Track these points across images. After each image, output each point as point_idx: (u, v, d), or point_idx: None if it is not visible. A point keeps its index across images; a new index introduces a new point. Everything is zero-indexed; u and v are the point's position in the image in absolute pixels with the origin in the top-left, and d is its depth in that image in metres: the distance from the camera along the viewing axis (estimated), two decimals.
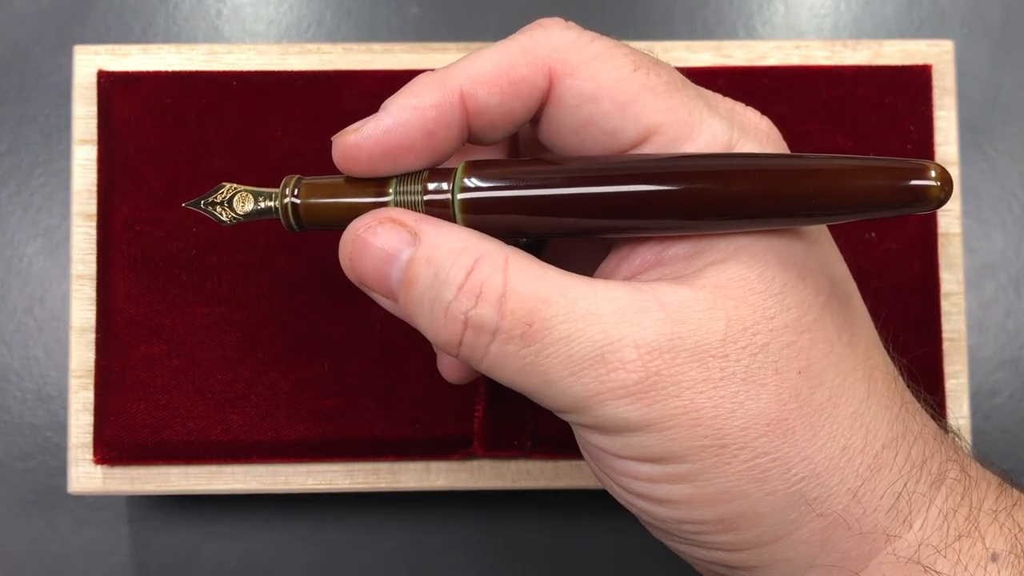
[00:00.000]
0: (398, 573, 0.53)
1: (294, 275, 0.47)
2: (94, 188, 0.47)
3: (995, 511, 0.33)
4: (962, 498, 0.33)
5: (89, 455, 0.46)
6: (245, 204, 0.35)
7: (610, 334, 0.30)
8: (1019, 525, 0.33)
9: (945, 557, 0.32)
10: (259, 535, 0.53)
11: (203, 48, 0.48)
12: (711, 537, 0.33)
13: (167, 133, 0.47)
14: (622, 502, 0.34)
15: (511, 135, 0.36)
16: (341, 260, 0.33)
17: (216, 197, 0.36)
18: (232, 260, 0.46)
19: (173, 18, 0.56)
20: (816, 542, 0.32)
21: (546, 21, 0.34)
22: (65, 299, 0.54)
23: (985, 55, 0.57)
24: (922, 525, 0.33)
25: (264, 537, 0.53)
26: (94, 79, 0.47)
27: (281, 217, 0.34)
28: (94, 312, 0.46)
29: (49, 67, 0.55)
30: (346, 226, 0.33)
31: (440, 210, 0.33)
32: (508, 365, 0.31)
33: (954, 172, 0.48)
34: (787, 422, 0.31)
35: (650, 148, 0.33)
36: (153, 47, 0.48)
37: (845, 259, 0.36)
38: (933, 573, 0.32)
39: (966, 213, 0.54)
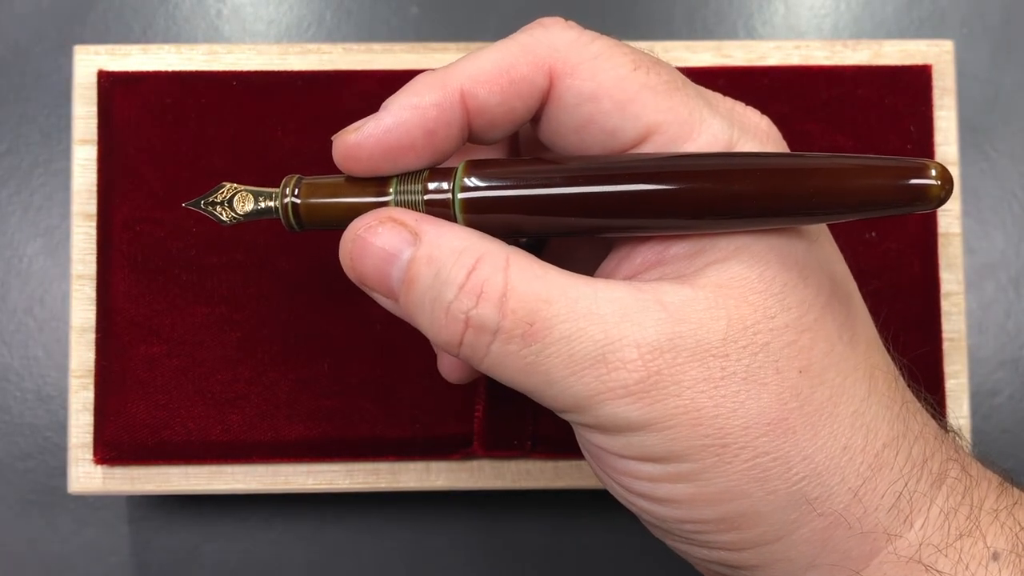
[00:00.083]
0: (398, 573, 0.53)
1: (294, 275, 0.47)
2: (94, 188, 0.47)
3: (996, 510, 0.33)
4: (963, 497, 0.33)
5: (89, 455, 0.46)
6: (245, 204, 0.35)
7: (611, 334, 0.30)
8: (1020, 524, 0.33)
9: (946, 556, 0.32)
10: (259, 535, 0.53)
11: (203, 48, 0.48)
12: (712, 536, 0.33)
13: (167, 133, 0.47)
14: (623, 502, 0.34)
15: (511, 134, 0.36)
16: (342, 260, 0.33)
17: (216, 197, 0.36)
18: (232, 260, 0.46)
19: (173, 18, 0.56)
20: (817, 541, 0.32)
21: (546, 20, 0.34)
22: (65, 299, 0.54)
23: (985, 55, 0.57)
24: (923, 524, 0.33)
25: (264, 537, 0.53)
26: (94, 79, 0.47)
27: (281, 217, 0.34)
28: (94, 312, 0.46)
29: (49, 67, 0.55)
30: (346, 226, 0.33)
31: (440, 210, 0.33)
32: (509, 365, 0.31)
33: (954, 172, 0.48)
34: (788, 421, 0.31)
35: (650, 147, 0.33)
36: (153, 47, 0.48)
37: (845, 259, 0.36)
38: (934, 572, 0.32)
39: (966, 213, 0.54)
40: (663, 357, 0.30)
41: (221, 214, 0.36)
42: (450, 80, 0.33)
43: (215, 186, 0.36)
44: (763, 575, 0.33)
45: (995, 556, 0.32)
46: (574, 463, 0.47)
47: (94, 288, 0.46)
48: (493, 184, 0.32)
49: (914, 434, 0.33)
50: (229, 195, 0.36)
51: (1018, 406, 0.54)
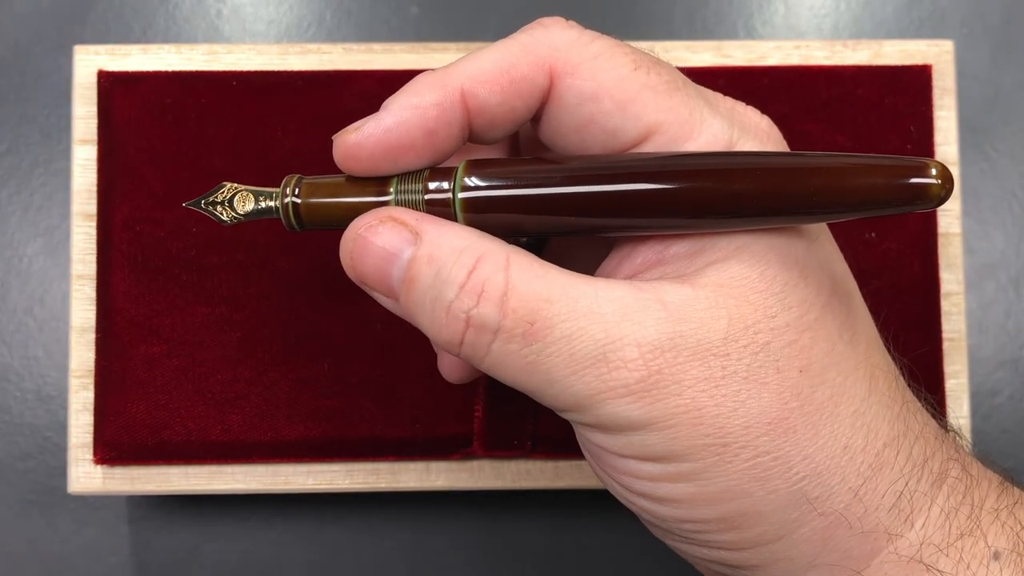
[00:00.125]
0: (398, 573, 0.53)
1: (294, 275, 0.47)
2: (94, 188, 0.47)
3: (996, 510, 0.33)
4: (963, 497, 0.33)
5: (89, 455, 0.46)
6: (246, 204, 0.35)
7: (612, 333, 0.30)
8: (1021, 523, 0.33)
9: (947, 556, 0.32)
10: (259, 535, 0.53)
11: (203, 48, 0.48)
12: (712, 536, 0.33)
13: (167, 133, 0.47)
14: (623, 501, 0.34)
15: (512, 134, 0.36)
16: (342, 259, 0.33)
17: (217, 197, 0.36)
18: (232, 260, 0.46)
19: (173, 18, 0.56)
20: (817, 541, 0.32)
21: (547, 20, 0.34)
22: (65, 299, 0.54)
23: (985, 55, 0.57)
24: (924, 524, 0.33)
25: (264, 537, 0.53)
26: (94, 79, 0.47)
27: (282, 217, 0.34)
28: (94, 312, 0.46)
29: (49, 67, 0.55)
30: (347, 226, 0.33)
31: (441, 209, 0.33)
32: (510, 364, 0.31)
33: (954, 172, 0.48)
34: (788, 421, 0.31)
35: (651, 147, 0.33)
36: (153, 47, 0.48)
37: (845, 259, 0.36)
38: (935, 572, 0.32)
39: (966, 213, 0.54)
40: (664, 356, 0.30)
41: (222, 214, 0.36)
42: (450, 80, 0.33)
43: (215, 186, 0.36)
44: (763, 575, 0.33)
45: (996, 555, 0.32)
46: (574, 463, 0.47)
47: (94, 288, 0.46)
48: (493, 184, 0.32)
49: (914, 434, 0.33)
50: (229, 195, 0.36)
51: (1018, 406, 0.54)
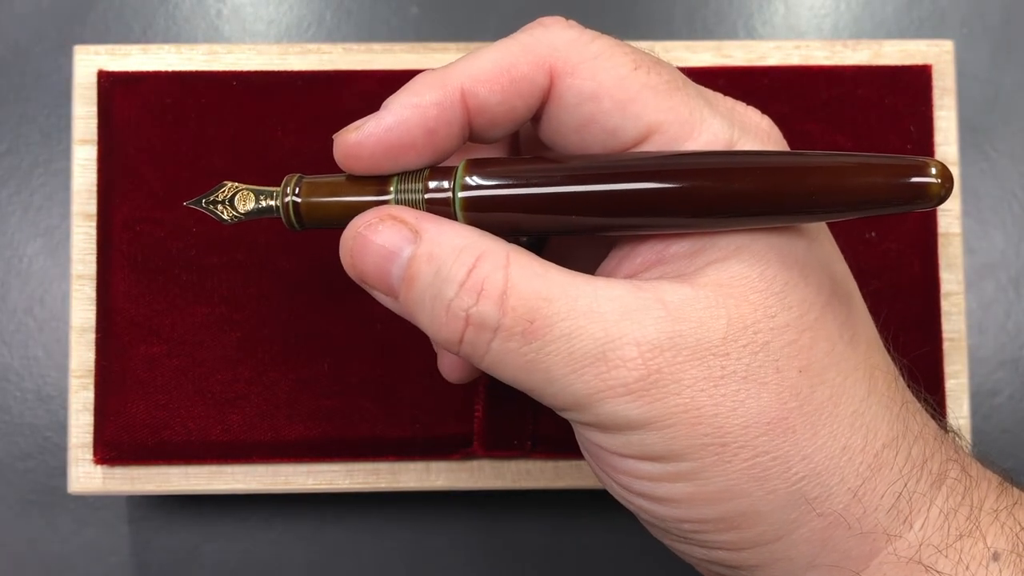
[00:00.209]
0: (398, 573, 0.53)
1: (294, 275, 0.47)
2: (94, 188, 0.47)
3: (996, 510, 0.33)
4: (963, 498, 0.33)
5: (89, 455, 0.46)
6: (246, 203, 0.35)
7: (611, 332, 0.30)
8: (1020, 524, 0.33)
9: (946, 557, 0.32)
10: (259, 535, 0.53)
11: (203, 48, 0.48)
12: (711, 536, 0.33)
13: (167, 133, 0.47)
14: (622, 501, 0.34)
15: (512, 133, 0.36)
16: (342, 257, 0.33)
17: (217, 196, 0.36)
18: (232, 260, 0.46)
19: (173, 18, 0.56)
20: (816, 541, 0.32)
21: (547, 20, 0.34)
22: (65, 299, 0.54)
23: (985, 55, 0.57)
24: (923, 525, 0.33)
25: (264, 537, 0.53)
26: (94, 79, 0.47)
27: (282, 216, 0.34)
28: (94, 312, 0.46)
29: (49, 67, 0.55)
30: (347, 224, 0.33)
31: (441, 208, 0.33)
32: (509, 362, 0.31)
33: (954, 172, 0.48)
34: (788, 421, 0.31)
35: (651, 146, 0.33)
36: (153, 47, 0.48)
37: (845, 259, 0.36)
38: (934, 573, 0.32)
39: (966, 213, 0.54)
40: (663, 356, 0.30)
41: (222, 213, 0.36)
42: (450, 79, 0.33)
43: (216, 185, 0.36)
44: (762, 575, 0.33)
45: (995, 556, 0.32)
46: (574, 463, 0.47)
47: (94, 288, 0.46)
48: (493, 183, 0.32)
49: (914, 434, 0.33)
50: (230, 194, 0.36)
51: (1018, 406, 0.54)
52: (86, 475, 0.46)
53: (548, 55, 0.33)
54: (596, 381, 0.30)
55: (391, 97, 0.33)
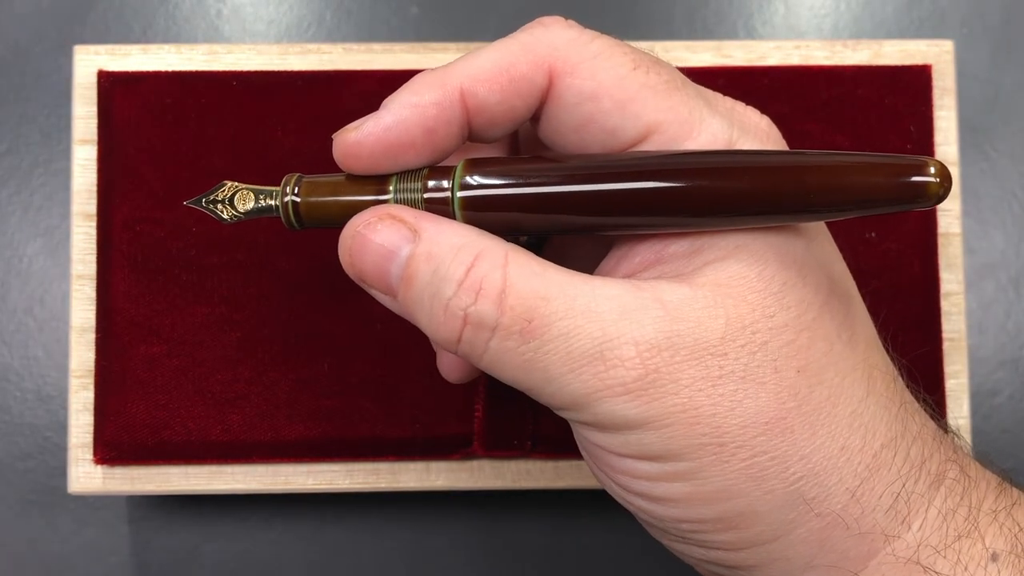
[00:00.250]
0: (398, 573, 0.53)
1: (294, 275, 0.47)
2: (94, 188, 0.47)
3: (995, 511, 0.33)
4: (961, 498, 0.33)
5: (89, 455, 0.46)
6: (246, 202, 0.35)
7: (609, 331, 0.30)
8: (1019, 525, 0.33)
9: (945, 557, 0.32)
10: (259, 535, 0.53)
11: (203, 48, 0.48)
12: (709, 536, 0.33)
13: (167, 133, 0.47)
14: (620, 501, 0.34)
15: (511, 133, 0.36)
16: (341, 257, 0.33)
17: (217, 195, 0.36)
18: (232, 260, 0.46)
19: (173, 18, 0.56)
20: (814, 542, 0.32)
21: (546, 20, 0.34)
22: (65, 299, 0.54)
23: (985, 55, 0.57)
24: (921, 525, 0.33)
25: (264, 537, 0.53)
26: (94, 79, 0.47)
27: (281, 215, 0.34)
28: (94, 312, 0.46)
29: (49, 67, 0.55)
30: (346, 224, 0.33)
31: (440, 208, 0.33)
32: (507, 362, 0.31)
33: (954, 172, 0.48)
34: (785, 421, 0.31)
35: (650, 146, 0.33)
36: (153, 47, 0.48)
37: (845, 259, 0.36)
38: (933, 573, 0.32)
39: (966, 213, 0.54)
40: (661, 355, 0.30)
41: (222, 212, 0.36)
42: (450, 79, 0.33)
43: (216, 184, 0.36)
44: (760, 575, 0.33)
45: (994, 557, 0.32)
46: (574, 463, 0.47)
47: (94, 288, 0.46)
48: (492, 182, 0.32)
49: (912, 435, 0.33)
50: (230, 193, 0.36)
51: (1018, 406, 0.54)
52: (86, 475, 0.46)
53: (547, 55, 0.33)
54: (594, 380, 0.30)
55: (390, 97, 0.33)
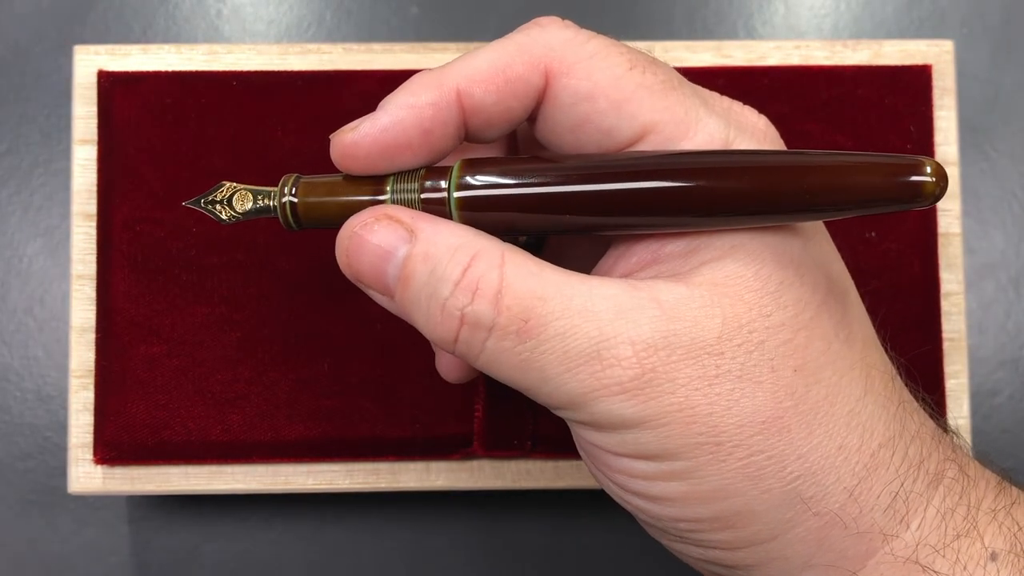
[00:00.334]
0: (398, 573, 0.53)
1: (294, 275, 0.47)
2: (94, 188, 0.47)
3: (994, 510, 0.33)
4: (960, 497, 0.33)
5: (89, 455, 0.46)
6: (244, 203, 0.35)
7: (605, 331, 0.30)
8: (1018, 524, 0.33)
9: (944, 557, 0.32)
10: (259, 535, 0.53)
11: (203, 48, 0.48)
12: (706, 535, 0.33)
13: (167, 133, 0.47)
14: (618, 500, 0.34)
15: (509, 133, 0.36)
16: (338, 257, 0.33)
17: (216, 196, 0.36)
18: (232, 260, 0.46)
19: (173, 18, 0.56)
20: (812, 541, 0.32)
21: (543, 20, 0.34)
22: (65, 299, 0.54)
23: (985, 55, 0.56)
24: (920, 525, 0.33)
25: (264, 537, 0.53)
26: (94, 79, 0.47)
27: (279, 216, 0.35)
28: (94, 312, 0.46)
29: (49, 67, 0.55)
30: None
31: (437, 208, 0.33)
32: (504, 361, 0.31)
33: (954, 172, 0.48)
34: (783, 420, 0.31)
35: (646, 146, 0.33)
36: (153, 47, 0.48)
37: (844, 259, 0.36)
38: (931, 573, 0.32)
39: (966, 213, 0.54)
40: (657, 355, 0.30)
41: (220, 213, 0.36)
42: (446, 79, 0.33)
43: (215, 185, 0.36)
44: (759, 574, 0.33)
45: (993, 556, 0.32)
46: (574, 463, 0.47)
47: (94, 288, 0.46)
48: (489, 183, 0.32)
49: (911, 434, 0.33)
50: (228, 194, 0.36)
51: (1018, 406, 0.54)
52: (86, 475, 0.46)
53: (544, 55, 0.33)
54: (591, 380, 0.30)
55: (387, 97, 0.33)
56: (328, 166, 0.34)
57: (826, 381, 0.32)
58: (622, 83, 0.32)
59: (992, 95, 0.56)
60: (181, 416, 0.46)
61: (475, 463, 0.47)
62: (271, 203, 0.35)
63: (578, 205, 0.32)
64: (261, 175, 0.46)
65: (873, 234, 0.47)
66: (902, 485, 0.32)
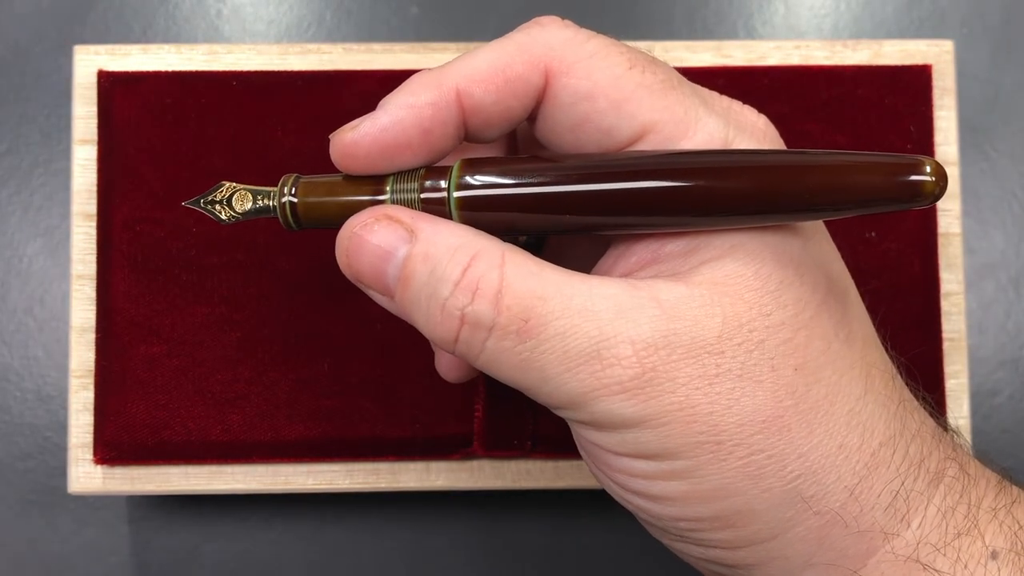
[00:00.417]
0: (398, 573, 0.53)
1: (294, 275, 0.47)
2: (94, 188, 0.47)
3: (994, 509, 0.33)
4: (961, 496, 0.33)
5: (89, 455, 0.46)
6: (244, 203, 0.35)
7: (605, 330, 0.30)
8: (1019, 523, 0.33)
9: (944, 555, 0.32)
10: (259, 535, 0.53)
11: (203, 48, 0.48)
12: (707, 534, 0.33)
13: (167, 133, 0.47)
14: (619, 500, 0.34)
15: (510, 133, 0.36)
16: (338, 257, 0.33)
17: (215, 196, 0.36)
18: (232, 260, 0.46)
19: (173, 18, 0.56)
20: (813, 540, 0.32)
21: (543, 19, 0.34)
22: (65, 299, 0.54)
23: (985, 55, 0.56)
24: (920, 523, 0.33)
25: (264, 537, 0.53)
26: (94, 79, 0.47)
27: (279, 216, 0.35)
28: (94, 312, 0.46)
29: (49, 67, 0.55)
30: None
31: (437, 208, 0.33)
32: (504, 361, 0.31)
33: (954, 172, 0.48)
34: (783, 419, 0.31)
35: (646, 146, 0.33)
36: (153, 47, 0.48)
37: (844, 258, 0.36)
38: (932, 571, 0.32)
39: (966, 213, 0.54)
40: (658, 354, 0.30)
41: (220, 213, 0.36)
42: (446, 79, 0.33)
43: (214, 185, 0.36)
44: (759, 574, 0.33)
45: (994, 555, 0.32)
46: (574, 463, 0.47)
47: (94, 288, 0.46)
48: (488, 182, 0.32)
49: (911, 432, 0.33)
50: (228, 194, 0.36)
51: (1018, 406, 0.54)
52: (86, 475, 0.46)
53: (543, 55, 0.33)
54: (591, 379, 0.30)
55: (387, 97, 0.33)
56: (328, 166, 0.34)
57: (826, 380, 0.32)
58: (622, 82, 0.32)
59: (992, 95, 0.56)
60: (181, 416, 0.46)
61: (475, 463, 0.47)
62: (271, 203, 0.35)
63: (578, 205, 0.32)
64: (261, 175, 0.46)
65: (873, 234, 0.47)
66: (903, 484, 0.32)
